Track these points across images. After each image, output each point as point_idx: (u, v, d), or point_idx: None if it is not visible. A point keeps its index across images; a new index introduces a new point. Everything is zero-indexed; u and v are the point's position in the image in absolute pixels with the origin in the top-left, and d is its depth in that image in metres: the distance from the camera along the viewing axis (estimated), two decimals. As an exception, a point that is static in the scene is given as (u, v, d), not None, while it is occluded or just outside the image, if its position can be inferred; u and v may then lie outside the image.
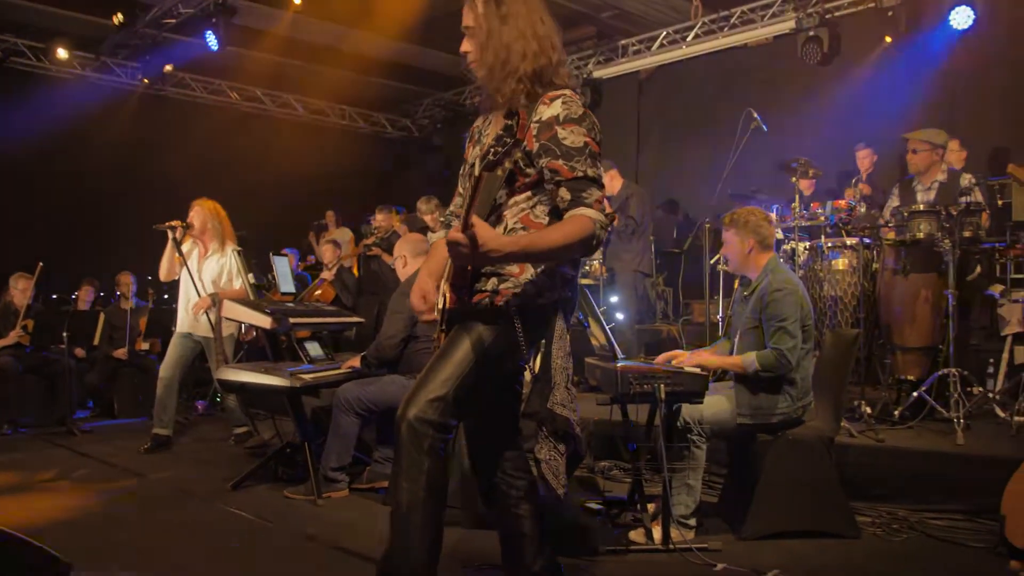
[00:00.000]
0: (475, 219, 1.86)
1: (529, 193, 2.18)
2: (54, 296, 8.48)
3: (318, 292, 7.69)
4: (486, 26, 2.18)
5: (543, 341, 2.23)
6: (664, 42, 9.29)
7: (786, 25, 8.30)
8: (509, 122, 2.17)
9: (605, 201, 2.14)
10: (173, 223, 5.28)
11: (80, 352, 6.99)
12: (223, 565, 3.21)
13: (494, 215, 2.18)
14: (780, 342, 3.38)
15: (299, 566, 3.19)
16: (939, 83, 7.57)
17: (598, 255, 7.04)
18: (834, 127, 8.00)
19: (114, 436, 6.06)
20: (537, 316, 2.18)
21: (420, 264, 4.23)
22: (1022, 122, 6.62)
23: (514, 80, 2.16)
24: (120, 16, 8.49)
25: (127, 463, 5.00)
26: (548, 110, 2.13)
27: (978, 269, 5.02)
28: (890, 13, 7.54)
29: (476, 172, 1.92)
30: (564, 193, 2.08)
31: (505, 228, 2.17)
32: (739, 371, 3.45)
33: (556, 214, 2.14)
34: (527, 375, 2.32)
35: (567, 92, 2.17)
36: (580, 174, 2.08)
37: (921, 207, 4.61)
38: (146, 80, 9.91)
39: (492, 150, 2.00)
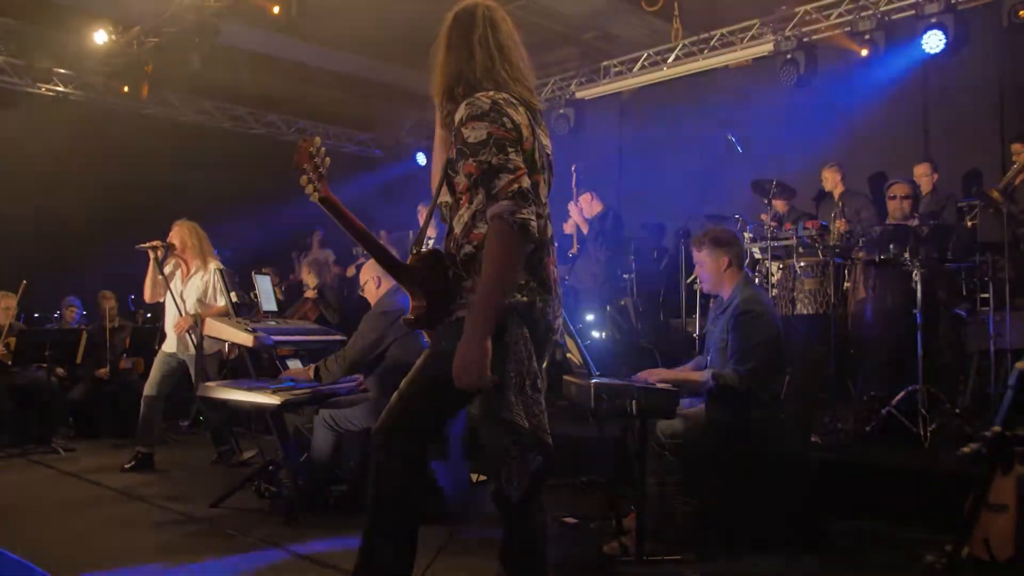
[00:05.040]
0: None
1: (467, 202, 2.17)
2: (36, 315, 8.45)
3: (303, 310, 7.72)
4: (436, 54, 2.28)
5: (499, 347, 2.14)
6: (645, 63, 9.43)
7: (764, 48, 8.45)
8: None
9: (522, 179, 2.05)
10: (154, 243, 5.30)
11: (61, 371, 6.96)
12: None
13: (452, 241, 2.21)
14: (740, 363, 3.47)
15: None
16: (912, 106, 7.75)
17: (566, 274, 7.09)
18: (810, 147, 8.15)
19: (96, 455, 6.06)
20: None
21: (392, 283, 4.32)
22: (992, 145, 6.80)
23: (440, 102, 2.27)
24: (105, 34, 8.55)
25: (110, 482, 5.02)
26: (456, 116, 2.15)
27: (946, 288, 5.13)
28: (867, 36, 7.72)
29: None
30: (481, 192, 2.08)
31: (461, 252, 2.16)
32: (698, 386, 3.53)
33: None
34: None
35: (477, 95, 2.13)
36: (486, 165, 2.05)
37: (891, 227, 4.75)
38: (127, 92, 9.89)
39: None
